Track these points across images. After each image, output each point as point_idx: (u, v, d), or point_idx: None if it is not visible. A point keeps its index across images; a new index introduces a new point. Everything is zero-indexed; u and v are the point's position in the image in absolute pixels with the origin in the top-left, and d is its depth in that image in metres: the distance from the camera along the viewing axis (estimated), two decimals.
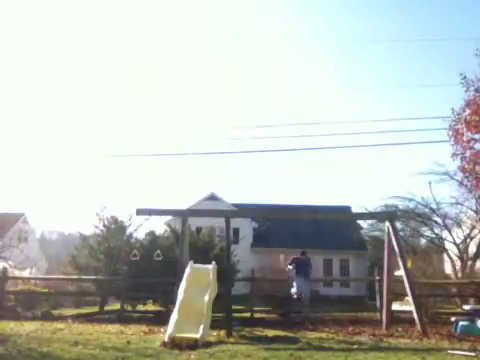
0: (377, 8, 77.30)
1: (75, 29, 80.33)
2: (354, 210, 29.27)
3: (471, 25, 64.03)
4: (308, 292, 11.52)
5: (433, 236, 27.15)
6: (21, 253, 16.78)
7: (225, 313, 8.96)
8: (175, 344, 6.59)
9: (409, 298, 9.35)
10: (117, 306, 13.66)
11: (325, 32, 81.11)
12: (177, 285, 8.56)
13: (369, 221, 28.93)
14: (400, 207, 27.07)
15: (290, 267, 11.83)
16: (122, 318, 11.47)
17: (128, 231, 16.87)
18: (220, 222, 10.49)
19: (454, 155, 12.94)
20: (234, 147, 27.59)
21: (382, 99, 75.47)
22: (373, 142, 35.01)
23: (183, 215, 10.41)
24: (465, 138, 12.57)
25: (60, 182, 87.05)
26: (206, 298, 7.83)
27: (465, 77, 12.59)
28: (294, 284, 11.47)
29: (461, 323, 9.20)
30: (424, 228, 28.12)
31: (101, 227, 16.51)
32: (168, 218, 19.71)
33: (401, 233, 24.15)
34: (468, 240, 24.26)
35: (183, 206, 19.79)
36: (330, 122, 61.92)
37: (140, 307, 15.13)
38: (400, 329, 9.36)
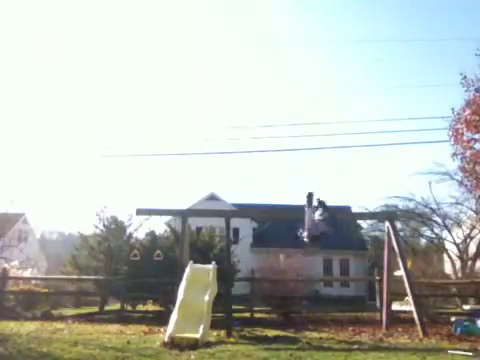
0: (377, 8, 77.35)
1: (74, 28, 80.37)
2: (354, 210, 29.24)
3: (471, 25, 64.04)
4: None
5: (433, 236, 27.21)
6: (21, 253, 16.77)
7: (225, 313, 8.96)
8: (175, 344, 6.58)
9: (409, 298, 9.35)
10: (117, 306, 13.66)
11: (325, 32, 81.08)
12: (177, 285, 8.56)
13: (369, 221, 28.91)
14: (400, 207, 27.09)
15: None
16: (122, 318, 11.48)
17: (128, 231, 16.89)
18: (220, 222, 10.49)
19: (454, 155, 12.97)
20: (234, 147, 27.54)
21: (382, 99, 75.47)
22: (373, 142, 34.97)
23: (183, 215, 10.41)
24: (465, 138, 12.60)
25: (60, 182, 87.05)
26: (206, 298, 7.82)
27: (465, 77, 12.63)
28: None
29: (461, 323, 9.21)
30: (424, 228, 28.20)
31: (101, 227, 16.54)
32: (168, 218, 19.70)
33: (401, 233, 24.17)
34: (468, 240, 24.30)
35: (183, 206, 19.78)
36: (330, 122, 61.75)
37: (140, 307, 15.12)
38: (400, 329, 9.36)
